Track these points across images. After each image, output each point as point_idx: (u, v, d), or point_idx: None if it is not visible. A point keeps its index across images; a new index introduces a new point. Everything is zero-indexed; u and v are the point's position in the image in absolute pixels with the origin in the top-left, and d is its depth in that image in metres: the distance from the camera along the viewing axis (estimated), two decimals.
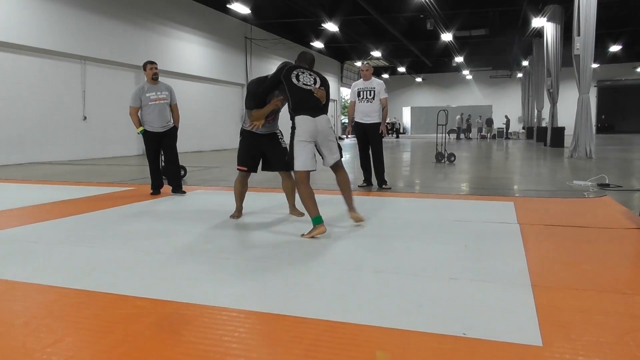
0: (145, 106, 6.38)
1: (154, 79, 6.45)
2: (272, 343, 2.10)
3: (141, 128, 6.40)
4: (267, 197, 6.16)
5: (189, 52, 19.06)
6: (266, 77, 4.66)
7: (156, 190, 6.58)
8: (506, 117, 34.93)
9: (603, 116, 36.52)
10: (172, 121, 6.57)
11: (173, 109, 6.61)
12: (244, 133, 4.84)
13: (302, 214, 4.93)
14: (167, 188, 6.71)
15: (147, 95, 6.38)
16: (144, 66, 6.49)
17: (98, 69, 14.88)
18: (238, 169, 4.88)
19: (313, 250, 3.64)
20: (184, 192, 6.61)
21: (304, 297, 2.65)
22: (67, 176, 9.46)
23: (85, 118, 14.43)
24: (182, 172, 8.52)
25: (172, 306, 2.50)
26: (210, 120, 20.36)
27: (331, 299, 2.59)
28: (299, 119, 4.17)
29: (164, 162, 6.74)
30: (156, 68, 6.48)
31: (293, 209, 5.02)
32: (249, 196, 5.08)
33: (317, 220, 4.06)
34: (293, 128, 4.20)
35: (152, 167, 6.57)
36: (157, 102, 6.39)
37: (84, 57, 14.32)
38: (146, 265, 3.26)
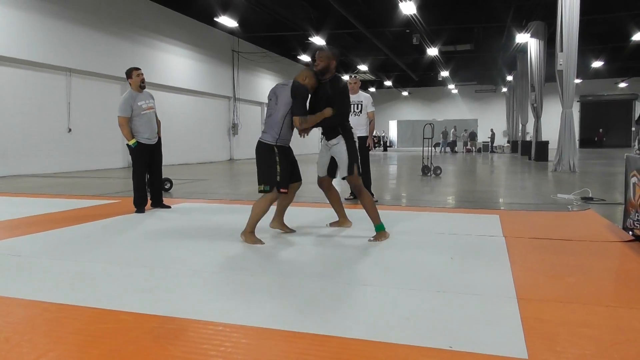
0: (138, 116, 5.92)
1: (142, 87, 6.03)
2: (258, 357, 2.08)
3: (134, 140, 5.91)
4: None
5: (176, 64, 19.04)
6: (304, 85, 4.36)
7: (141, 208, 6.06)
8: (491, 130, 35.23)
9: (601, 130, 36.64)
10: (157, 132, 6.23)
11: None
12: (280, 150, 4.27)
13: (292, 230, 4.77)
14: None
15: (139, 103, 5.92)
16: (129, 73, 6.02)
17: (83, 80, 14.80)
18: (281, 192, 4.26)
19: (299, 264, 3.63)
20: (169, 207, 6.41)
21: (290, 310, 2.63)
22: (51, 189, 9.35)
23: (70, 130, 14.31)
24: (168, 185, 8.49)
25: (157, 320, 2.47)
26: (197, 133, 20.32)
27: (317, 313, 2.58)
28: (350, 128, 4.58)
29: (148, 177, 6.31)
30: (143, 74, 6.07)
31: (283, 225, 4.77)
32: (236, 210, 5.06)
33: (382, 227, 4.46)
34: (351, 137, 4.52)
35: (140, 183, 6.06)
36: (148, 110, 6.02)
37: (70, 69, 14.24)
38: (131, 279, 3.23)
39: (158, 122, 6.27)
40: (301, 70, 4.47)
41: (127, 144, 6.02)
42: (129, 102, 5.90)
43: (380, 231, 4.43)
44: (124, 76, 6.22)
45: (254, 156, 4.40)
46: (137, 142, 5.96)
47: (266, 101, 4.62)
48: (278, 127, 4.23)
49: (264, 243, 4.21)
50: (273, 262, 3.65)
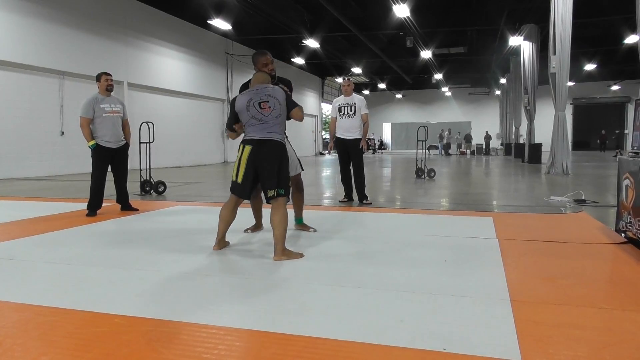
0: (99, 118, 5.99)
1: (109, 90, 6.13)
2: None
3: (93, 142, 6.00)
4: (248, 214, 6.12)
5: (169, 67, 19.00)
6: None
7: (93, 211, 6.10)
8: (487, 132, 35.13)
9: (603, 131, 36.53)
10: (124, 137, 6.29)
11: (125, 123, 6.31)
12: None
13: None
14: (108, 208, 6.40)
15: (102, 106, 6.01)
16: (98, 77, 6.16)
17: (76, 83, 14.70)
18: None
19: (293, 267, 3.62)
20: (137, 209, 6.39)
21: (284, 313, 2.63)
22: (44, 192, 9.31)
23: (62, 133, 14.25)
24: (162, 188, 8.46)
25: (151, 323, 2.46)
26: (191, 136, 20.27)
27: (312, 315, 2.58)
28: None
29: (115, 182, 6.35)
30: (111, 80, 6.19)
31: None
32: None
33: (302, 220, 4.98)
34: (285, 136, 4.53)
35: (97, 186, 6.12)
36: (111, 114, 6.07)
37: (62, 71, 14.17)
38: (124, 282, 3.22)
39: (127, 128, 6.36)
40: (261, 75, 4.20)
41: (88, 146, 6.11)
42: (91, 104, 6.00)
43: (302, 223, 4.98)
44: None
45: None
46: (96, 144, 6.04)
47: None
48: (284, 126, 4.07)
49: (303, 255, 3.91)
50: (267, 265, 3.65)
